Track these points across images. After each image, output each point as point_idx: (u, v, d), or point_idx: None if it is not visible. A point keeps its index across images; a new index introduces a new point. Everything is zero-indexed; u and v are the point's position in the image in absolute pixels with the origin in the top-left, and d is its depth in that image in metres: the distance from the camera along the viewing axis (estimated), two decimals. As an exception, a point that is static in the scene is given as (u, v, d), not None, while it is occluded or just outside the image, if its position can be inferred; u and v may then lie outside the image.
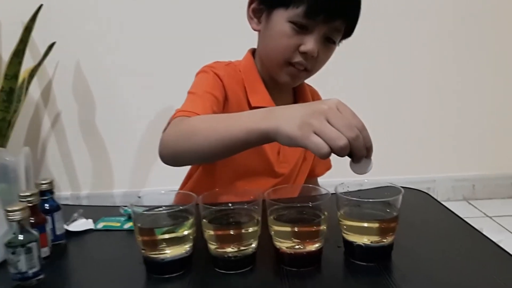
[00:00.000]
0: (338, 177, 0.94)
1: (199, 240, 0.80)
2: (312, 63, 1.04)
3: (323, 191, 0.79)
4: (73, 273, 0.81)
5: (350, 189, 0.81)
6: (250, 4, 1.07)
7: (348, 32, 1.06)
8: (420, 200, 1.10)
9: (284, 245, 0.77)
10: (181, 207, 0.79)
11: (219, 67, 1.10)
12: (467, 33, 2.19)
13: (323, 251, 0.80)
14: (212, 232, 0.76)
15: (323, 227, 0.77)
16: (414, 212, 1.00)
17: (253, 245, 0.78)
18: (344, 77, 2.09)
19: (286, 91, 1.18)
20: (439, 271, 0.75)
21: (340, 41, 1.09)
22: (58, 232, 0.90)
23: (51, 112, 2.14)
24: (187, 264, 0.79)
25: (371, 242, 0.77)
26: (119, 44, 2.06)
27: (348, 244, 0.80)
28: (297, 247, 0.76)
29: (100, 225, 0.98)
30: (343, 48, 1.10)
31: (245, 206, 0.80)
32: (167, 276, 0.76)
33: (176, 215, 0.78)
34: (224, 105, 1.04)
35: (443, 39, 2.18)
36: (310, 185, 0.84)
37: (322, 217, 0.77)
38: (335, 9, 0.97)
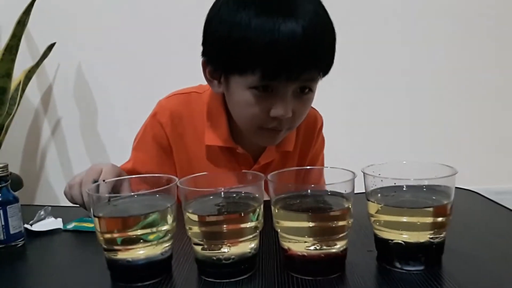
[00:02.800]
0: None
1: (180, 239, 0.61)
2: (290, 122, 0.86)
3: (347, 174, 0.58)
4: (20, 280, 0.62)
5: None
6: (204, 67, 0.90)
7: (325, 70, 0.85)
8: (468, 200, 0.88)
9: (295, 245, 0.57)
10: (157, 195, 0.59)
11: (166, 111, 0.98)
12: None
13: (348, 256, 0.59)
14: (197, 228, 0.57)
15: (348, 221, 0.57)
16: (464, 212, 0.78)
17: (253, 245, 0.58)
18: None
19: None
20: (504, 280, 0.53)
21: (322, 77, 0.87)
22: (12, 231, 0.72)
23: (51, 118, 2.00)
24: (164, 270, 0.59)
25: (415, 241, 0.56)
26: (123, 47, 1.93)
27: (383, 245, 0.59)
28: (312, 248, 0.56)
29: (71, 226, 0.80)
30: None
31: (242, 193, 0.60)
32: (138, 284, 0.56)
33: (151, 204, 0.59)
34: (175, 148, 0.99)
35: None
36: (329, 167, 0.63)
37: (346, 205, 0.56)
38: (299, 64, 0.78)
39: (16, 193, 0.74)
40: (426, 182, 0.57)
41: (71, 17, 1.92)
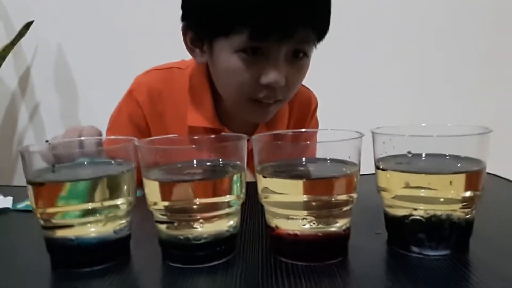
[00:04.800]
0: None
1: (144, 216, 0.48)
2: (283, 91, 0.75)
3: (352, 135, 0.46)
4: None
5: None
6: (184, 33, 0.79)
7: (321, 33, 0.74)
8: (495, 185, 0.76)
9: (284, 222, 0.45)
10: (113, 162, 0.47)
11: (143, 87, 0.88)
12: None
13: (351, 239, 0.47)
14: (159, 199, 0.44)
15: (353, 193, 0.45)
16: (491, 197, 0.66)
17: (231, 223, 0.46)
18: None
19: None
20: None
21: (317, 43, 0.76)
22: None
23: (29, 103, 1.86)
24: (118, 252, 0.47)
25: (438, 217, 0.44)
26: (106, 28, 1.80)
27: (396, 224, 0.47)
28: (307, 225, 0.43)
29: (21, 205, 0.68)
30: None
31: (219, 160, 0.48)
32: (83, 270, 0.44)
33: (105, 169, 0.46)
34: (153, 129, 0.88)
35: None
36: (329, 129, 0.51)
37: (350, 172, 0.44)
38: (291, 20, 0.67)
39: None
40: (452, 141, 0.45)
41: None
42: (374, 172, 0.49)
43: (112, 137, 0.52)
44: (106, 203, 0.44)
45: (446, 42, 1.84)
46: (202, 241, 0.44)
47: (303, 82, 0.83)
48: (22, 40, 1.70)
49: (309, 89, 0.99)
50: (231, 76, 0.73)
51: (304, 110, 0.96)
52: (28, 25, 1.69)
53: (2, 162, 1.86)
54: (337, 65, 1.71)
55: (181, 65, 0.91)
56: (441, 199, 0.44)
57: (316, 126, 1.00)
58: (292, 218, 0.44)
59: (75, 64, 1.85)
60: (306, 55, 0.75)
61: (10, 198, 0.69)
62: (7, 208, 0.67)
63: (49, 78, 1.86)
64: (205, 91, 0.84)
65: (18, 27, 1.71)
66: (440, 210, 0.44)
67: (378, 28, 1.78)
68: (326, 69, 1.72)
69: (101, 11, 1.79)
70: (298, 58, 0.74)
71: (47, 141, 0.49)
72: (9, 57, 1.72)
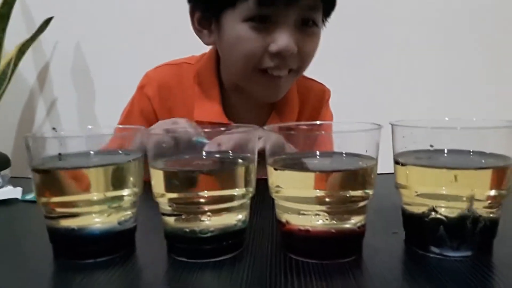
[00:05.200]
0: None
1: (152, 208, 0.47)
2: (296, 60, 0.73)
3: (370, 125, 0.43)
4: None
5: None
6: (192, 15, 0.79)
7: (328, 3, 0.74)
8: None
9: (295, 217, 0.42)
10: (121, 152, 0.46)
11: (154, 82, 0.88)
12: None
13: (366, 237, 0.44)
14: (165, 189, 0.42)
15: (370, 188, 0.42)
16: None
17: (240, 216, 0.44)
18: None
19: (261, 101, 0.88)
20: None
21: (325, 18, 0.77)
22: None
23: (46, 98, 1.88)
24: (123, 245, 0.45)
25: (461, 216, 0.41)
26: (125, 25, 1.81)
27: (414, 223, 0.44)
28: (319, 221, 0.41)
29: (30, 196, 0.67)
30: None
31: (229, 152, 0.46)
32: (86, 261, 0.42)
33: (111, 158, 0.45)
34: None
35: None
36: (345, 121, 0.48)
37: (366, 166, 0.42)
38: None
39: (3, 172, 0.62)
40: (477, 135, 0.42)
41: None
42: (392, 171, 0.47)
43: (121, 126, 0.50)
44: (111, 193, 0.43)
45: (469, 37, 1.79)
46: (209, 234, 0.42)
47: (317, 76, 0.81)
48: (42, 36, 1.71)
49: (321, 83, 0.97)
50: (240, 46, 0.72)
51: (318, 101, 0.94)
52: (47, 21, 1.70)
53: (19, 156, 1.88)
54: (356, 62, 1.68)
55: (190, 60, 0.91)
56: (464, 197, 0.41)
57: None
58: (304, 213, 0.41)
59: (93, 61, 1.86)
60: (316, 24, 0.74)
61: (19, 189, 0.69)
62: (16, 199, 0.67)
63: (67, 74, 1.87)
64: (213, 86, 0.84)
65: (38, 23, 1.72)
66: (463, 208, 0.41)
67: (402, 22, 1.74)
68: (346, 66, 1.69)
69: (119, 9, 1.80)
70: (308, 26, 0.73)
71: (54, 128, 0.48)
72: (29, 53, 1.73)
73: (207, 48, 0.92)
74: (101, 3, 1.80)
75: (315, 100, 0.92)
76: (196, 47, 0.96)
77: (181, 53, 1.11)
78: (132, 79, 1.51)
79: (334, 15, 0.80)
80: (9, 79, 1.62)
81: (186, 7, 0.92)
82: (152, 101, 0.87)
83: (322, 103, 0.94)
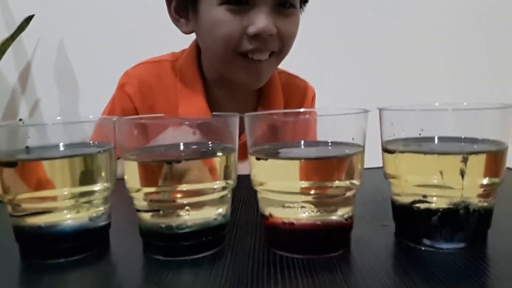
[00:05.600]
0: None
1: (122, 202, 0.44)
2: (276, 42, 0.73)
3: (356, 110, 0.41)
4: None
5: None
6: (169, 4, 0.78)
7: None
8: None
9: (279, 210, 0.40)
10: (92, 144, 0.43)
11: (134, 80, 0.86)
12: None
13: (355, 230, 0.42)
14: (138, 183, 0.40)
15: (357, 177, 0.40)
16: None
17: (220, 211, 0.41)
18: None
19: (245, 94, 0.87)
20: None
21: (302, 2, 0.77)
22: None
23: (29, 99, 1.83)
24: (95, 243, 0.42)
25: (453, 205, 0.39)
26: (108, 22, 1.77)
27: (405, 214, 0.42)
28: (304, 213, 0.38)
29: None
30: None
31: (208, 143, 0.43)
32: (55, 261, 0.39)
33: (80, 150, 0.42)
34: None
35: None
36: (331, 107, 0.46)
37: (352, 153, 0.39)
38: None
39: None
40: (469, 117, 0.40)
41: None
42: (382, 165, 0.44)
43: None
44: (79, 188, 0.40)
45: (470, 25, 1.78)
46: (187, 230, 0.39)
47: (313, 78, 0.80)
48: (23, 34, 1.67)
49: (305, 80, 0.96)
50: (217, 29, 0.71)
51: (301, 99, 0.93)
52: (28, 19, 1.66)
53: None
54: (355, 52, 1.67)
55: (171, 57, 0.89)
56: (457, 185, 0.38)
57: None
58: (288, 205, 0.39)
59: (76, 60, 1.82)
60: (293, 5, 0.73)
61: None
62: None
63: (50, 74, 1.83)
64: (196, 81, 0.82)
65: (18, 21, 1.68)
66: (455, 197, 0.39)
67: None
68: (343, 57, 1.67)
69: (102, 7, 1.76)
70: (286, 8, 0.72)
71: (20, 119, 0.45)
72: (9, 52, 1.69)
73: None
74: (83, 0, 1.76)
75: (298, 97, 0.91)
76: (183, 44, 0.93)
77: (166, 50, 1.08)
78: (118, 79, 1.47)
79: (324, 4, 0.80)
80: (-11, 79, 1.57)
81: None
82: (133, 99, 0.85)
83: (304, 100, 0.93)
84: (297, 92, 0.93)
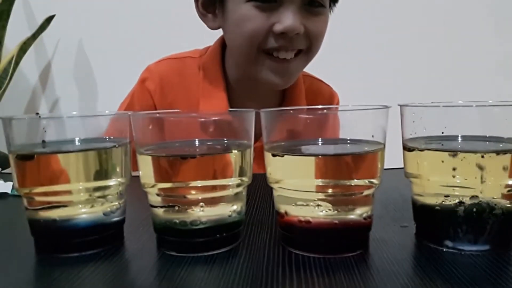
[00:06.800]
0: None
1: (137, 197, 0.43)
2: (303, 41, 0.71)
3: (377, 106, 0.40)
4: None
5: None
6: (196, 0, 0.78)
7: None
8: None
9: (295, 208, 0.39)
10: (108, 139, 0.42)
11: (156, 76, 0.85)
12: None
13: (373, 231, 0.41)
14: (153, 178, 0.39)
15: (376, 176, 0.38)
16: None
17: (235, 207, 0.40)
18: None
19: (267, 96, 0.85)
20: None
21: (333, 2, 0.76)
22: None
23: (49, 98, 1.86)
24: (109, 238, 0.42)
25: (477, 206, 0.37)
26: (127, 21, 1.78)
27: (426, 214, 0.41)
28: (321, 212, 0.37)
29: (20, 191, 0.64)
30: None
31: (224, 140, 0.42)
32: (69, 255, 0.39)
33: (95, 144, 0.41)
34: None
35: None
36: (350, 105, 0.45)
37: (371, 150, 0.38)
38: None
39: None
40: (494, 114, 0.38)
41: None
42: (403, 166, 0.43)
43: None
44: (94, 182, 0.39)
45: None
46: (201, 226, 0.38)
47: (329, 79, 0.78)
48: (44, 34, 1.69)
49: (330, 86, 0.94)
50: (243, 25, 0.70)
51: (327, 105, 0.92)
52: (49, 19, 1.68)
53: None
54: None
55: (193, 54, 0.88)
56: (481, 185, 0.37)
57: (337, 124, 0.96)
58: (304, 203, 0.38)
59: (96, 59, 1.84)
60: (323, 5, 0.72)
61: (10, 183, 0.66)
62: (6, 193, 0.64)
63: (70, 74, 1.85)
64: (219, 80, 0.81)
65: (40, 21, 1.71)
66: (479, 197, 0.37)
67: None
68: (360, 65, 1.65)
69: (121, 7, 1.77)
70: (314, 6, 0.71)
71: (37, 113, 0.45)
72: (31, 51, 1.71)
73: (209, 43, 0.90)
74: (103, 0, 1.78)
75: (322, 103, 0.90)
76: (200, 42, 0.93)
77: (185, 49, 1.08)
78: (136, 77, 1.49)
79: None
80: (10, 78, 1.60)
81: (188, 2, 0.90)
82: (153, 95, 0.84)
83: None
84: (321, 98, 0.91)
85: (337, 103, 0.95)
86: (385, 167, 0.43)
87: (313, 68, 0.97)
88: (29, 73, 1.83)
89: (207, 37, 0.93)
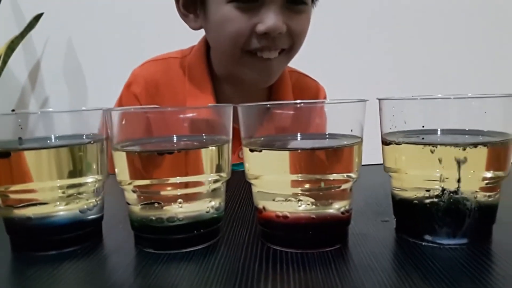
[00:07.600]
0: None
1: (117, 194, 0.43)
2: (285, 40, 0.71)
3: (353, 100, 0.39)
4: None
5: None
6: (177, 0, 0.77)
7: None
8: None
9: (272, 203, 0.38)
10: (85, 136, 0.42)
11: (140, 79, 0.85)
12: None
13: (353, 225, 0.41)
14: (127, 174, 0.39)
15: (355, 169, 0.38)
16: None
17: (213, 203, 0.40)
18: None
19: (254, 92, 0.85)
20: None
21: None
22: None
23: (38, 96, 1.85)
24: (86, 235, 0.41)
25: (457, 199, 0.37)
26: (117, 19, 1.77)
27: (406, 208, 0.40)
28: (300, 206, 0.37)
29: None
30: None
31: (202, 135, 0.42)
32: (46, 253, 0.39)
33: (71, 141, 0.41)
34: None
35: None
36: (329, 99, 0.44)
37: (348, 144, 0.38)
38: None
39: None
40: (473, 106, 0.38)
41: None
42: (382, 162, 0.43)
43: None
44: (68, 179, 0.39)
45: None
46: (177, 223, 0.38)
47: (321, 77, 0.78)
48: (32, 32, 1.68)
49: (316, 80, 0.94)
50: (226, 27, 0.69)
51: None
52: (38, 17, 1.67)
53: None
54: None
55: (177, 55, 0.88)
56: (459, 178, 0.37)
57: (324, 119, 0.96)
58: (281, 198, 0.37)
59: (85, 58, 1.83)
60: (305, 2, 0.71)
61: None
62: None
63: (59, 72, 1.84)
64: (205, 78, 0.81)
65: (28, 19, 1.69)
66: (457, 191, 0.37)
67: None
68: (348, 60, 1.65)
69: (110, 5, 1.76)
70: (296, 4, 0.70)
71: (13, 110, 0.44)
72: (19, 50, 1.70)
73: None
74: (92, -2, 1.77)
75: (308, 98, 0.90)
76: (191, 41, 0.92)
77: (174, 47, 1.08)
78: (125, 75, 1.48)
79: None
80: (-1, 76, 1.59)
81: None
82: (139, 98, 0.85)
83: None
84: (308, 92, 0.91)
85: (324, 98, 0.95)
86: (371, 163, 0.43)
87: (302, 64, 0.97)
88: (18, 71, 1.81)
89: (198, 36, 0.93)
